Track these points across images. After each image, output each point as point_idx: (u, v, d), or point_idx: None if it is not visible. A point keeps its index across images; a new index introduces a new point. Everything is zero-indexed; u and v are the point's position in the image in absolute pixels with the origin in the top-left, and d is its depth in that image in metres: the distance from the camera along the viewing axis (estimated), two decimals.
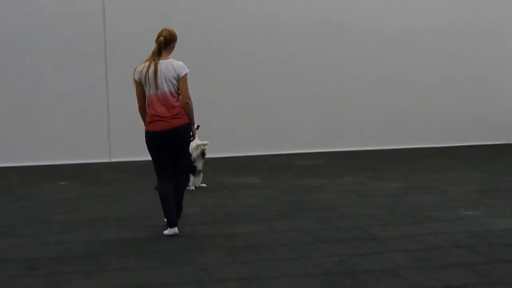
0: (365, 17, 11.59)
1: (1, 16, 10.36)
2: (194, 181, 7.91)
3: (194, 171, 7.85)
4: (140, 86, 5.59)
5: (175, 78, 5.52)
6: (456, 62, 12.06)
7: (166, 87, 5.51)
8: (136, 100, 5.66)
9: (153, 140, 5.58)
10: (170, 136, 5.53)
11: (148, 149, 5.66)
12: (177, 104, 5.57)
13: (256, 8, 11.18)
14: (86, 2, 10.58)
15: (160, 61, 5.52)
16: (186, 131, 5.66)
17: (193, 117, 5.68)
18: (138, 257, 5.08)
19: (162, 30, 5.62)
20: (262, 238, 5.57)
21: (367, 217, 6.30)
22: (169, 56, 5.62)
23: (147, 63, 5.54)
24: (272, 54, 11.26)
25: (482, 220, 6.11)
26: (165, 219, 5.83)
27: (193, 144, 7.73)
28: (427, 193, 7.51)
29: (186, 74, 5.56)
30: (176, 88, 5.55)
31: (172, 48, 5.67)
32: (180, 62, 5.60)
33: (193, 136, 5.83)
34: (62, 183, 8.65)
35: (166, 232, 5.70)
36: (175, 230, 5.66)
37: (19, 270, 4.78)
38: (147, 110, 5.63)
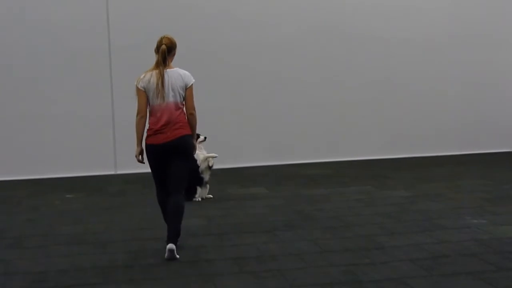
0: (370, 26, 11.60)
1: (6, 29, 10.42)
2: (201, 193, 7.93)
3: (201, 182, 7.88)
4: (144, 96, 5.32)
5: (182, 88, 5.35)
6: (462, 70, 12.06)
7: (172, 98, 5.30)
8: (137, 110, 5.34)
9: (154, 152, 5.34)
10: (171, 148, 5.29)
11: (149, 162, 5.42)
12: (180, 115, 5.37)
13: (260, 18, 11.21)
14: (91, 15, 10.64)
15: (167, 70, 5.34)
16: (188, 142, 5.39)
17: (195, 129, 5.50)
18: (144, 268, 5.07)
19: (162, 38, 5.39)
20: (269, 248, 5.56)
21: (373, 226, 6.28)
22: (172, 64, 5.44)
23: (153, 72, 5.33)
24: (279, 64, 11.28)
25: (489, 228, 6.09)
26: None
27: (201, 156, 7.78)
28: (433, 201, 7.49)
29: (192, 84, 5.42)
30: (182, 98, 5.38)
31: (174, 55, 5.46)
32: (186, 71, 5.44)
33: (194, 148, 5.57)
34: (69, 196, 8.67)
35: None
36: (172, 246, 5.23)
37: (26, 283, 4.78)
38: (148, 121, 5.40)
